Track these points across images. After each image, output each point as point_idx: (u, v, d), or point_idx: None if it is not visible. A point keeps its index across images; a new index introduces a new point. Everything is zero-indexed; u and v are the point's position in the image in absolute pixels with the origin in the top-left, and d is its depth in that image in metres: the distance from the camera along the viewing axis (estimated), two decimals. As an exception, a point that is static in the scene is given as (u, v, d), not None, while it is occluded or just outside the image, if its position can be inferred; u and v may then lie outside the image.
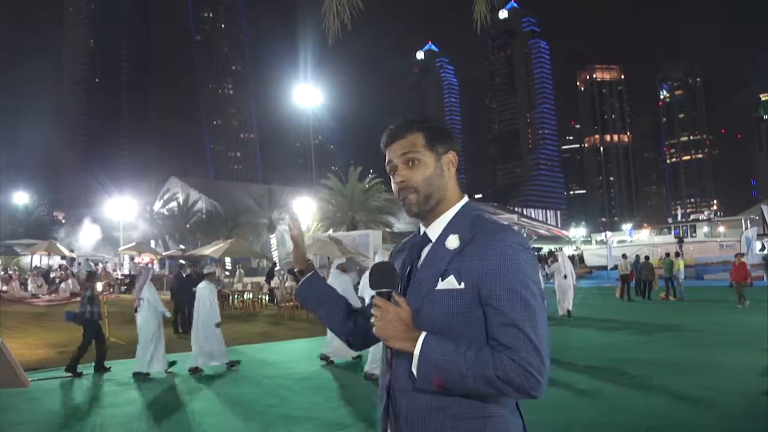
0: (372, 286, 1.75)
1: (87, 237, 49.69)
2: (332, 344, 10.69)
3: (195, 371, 10.24)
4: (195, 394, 8.77)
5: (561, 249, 49.02)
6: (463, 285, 1.71)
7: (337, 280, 10.73)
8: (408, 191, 1.82)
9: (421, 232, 1.91)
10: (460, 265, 1.73)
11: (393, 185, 1.88)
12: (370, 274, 1.78)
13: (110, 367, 10.53)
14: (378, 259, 10.65)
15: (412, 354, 1.68)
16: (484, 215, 1.85)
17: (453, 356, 1.64)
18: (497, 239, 1.73)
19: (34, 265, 33.50)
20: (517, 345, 1.63)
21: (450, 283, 1.73)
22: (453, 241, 1.78)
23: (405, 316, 1.71)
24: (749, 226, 42.30)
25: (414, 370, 1.68)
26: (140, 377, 9.82)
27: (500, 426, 1.72)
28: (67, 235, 53.13)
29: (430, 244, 1.85)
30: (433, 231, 1.86)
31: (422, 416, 1.72)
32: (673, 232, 49.93)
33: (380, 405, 1.85)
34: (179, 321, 16.03)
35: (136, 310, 10.46)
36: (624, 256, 26.21)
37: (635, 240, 54.98)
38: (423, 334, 1.68)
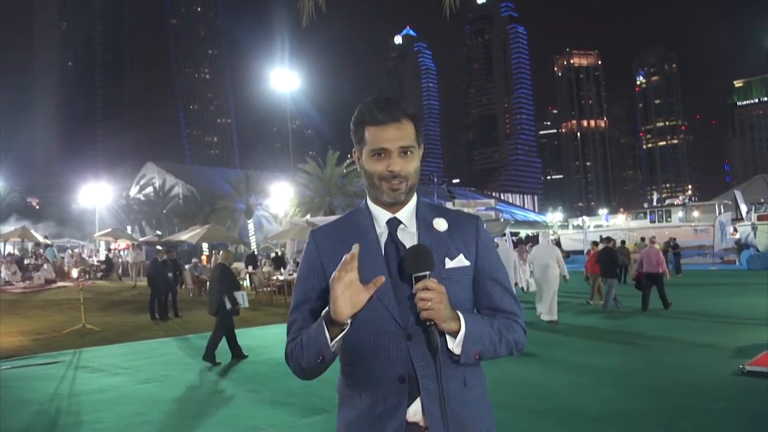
0: (409, 269, 1.72)
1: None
2: None
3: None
4: (170, 381, 8.72)
5: (538, 234, 49.32)
6: (469, 262, 1.85)
7: None
8: (400, 180, 1.81)
9: (379, 216, 1.88)
10: (460, 244, 1.86)
11: (376, 167, 1.81)
12: (406, 256, 1.74)
13: None
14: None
15: (445, 334, 1.74)
16: (435, 202, 2.00)
17: (485, 328, 1.79)
18: (475, 221, 1.95)
19: (7, 252, 33.05)
20: (516, 310, 1.90)
21: (460, 261, 1.84)
22: (442, 224, 1.87)
23: (447, 297, 1.72)
24: (723, 211, 42.79)
25: (457, 349, 1.73)
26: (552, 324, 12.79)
27: (485, 385, 1.91)
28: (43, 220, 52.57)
29: (404, 228, 1.85)
30: (404, 215, 1.87)
31: (455, 392, 1.77)
32: (648, 216, 50.44)
33: (392, 398, 1.76)
34: (156, 307, 15.86)
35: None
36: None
37: (611, 225, 55.49)
38: (460, 313, 1.74)
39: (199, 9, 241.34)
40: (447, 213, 1.92)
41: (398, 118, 1.81)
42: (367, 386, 1.80)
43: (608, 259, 15.77)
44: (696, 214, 48.70)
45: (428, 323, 1.68)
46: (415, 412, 1.75)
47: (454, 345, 1.73)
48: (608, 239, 18.49)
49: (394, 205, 1.86)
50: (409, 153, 1.82)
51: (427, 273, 1.70)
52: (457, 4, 7.14)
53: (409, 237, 1.83)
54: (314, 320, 1.82)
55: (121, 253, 34.05)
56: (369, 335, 1.79)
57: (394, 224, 1.85)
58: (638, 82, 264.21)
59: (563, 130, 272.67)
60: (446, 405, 1.71)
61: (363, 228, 1.88)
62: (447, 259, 1.82)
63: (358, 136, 1.88)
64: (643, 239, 26.15)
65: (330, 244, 1.89)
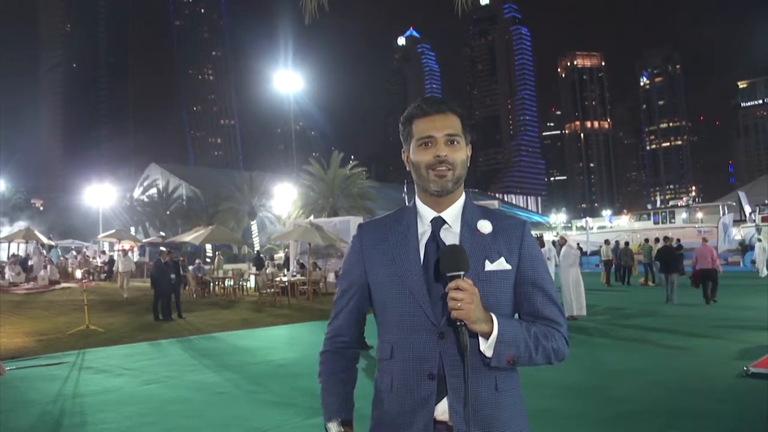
0: (443, 268, 1.73)
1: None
2: None
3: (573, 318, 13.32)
4: (174, 382, 8.73)
5: (542, 234, 49.23)
6: (510, 266, 1.84)
7: None
8: (447, 166, 1.83)
9: (425, 215, 1.90)
10: (502, 247, 1.85)
11: (423, 156, 1.85)
12: (441, 255, 1.76)
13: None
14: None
15: (478, 335, 1.74)
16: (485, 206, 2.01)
17: (521, 333, 1.77)
18: (522, 225, 1.91)
19: (11, 252, 33.10)
20: (558, 319, 1.87)
21: (500, 264, 1.83)
22: (486, 226, 1.87)
23: (479, 298, 1.72)
24: (726, 212, 42.71)
25: (488, 351, 1.73)
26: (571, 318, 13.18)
27: (520, 391, 1.91)
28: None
29: (448, 228, 1.87)
30: (450, 215, 1.88)
31: (484, 395, 1.78)
32: (652, 218, 50.41)
33: (421, 395, 1.79)
34: (159, 308, 15.87)
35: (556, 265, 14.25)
36: (606, 242, 26.46)
37: (615, 226, 55.37)
38: (494, 315, 1.73)
39: (202, 10, 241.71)
40: (493, 215, 1.91)
41: (444, 110, 1.87)
42: (399, 381, 1.84)
43: (669, 255, 17.03)
44: (700, 215, 48.66)
45: (458, 323, 1.70)
46: (443, 410, 1.78)
47: (486, 347, 1.74)
48: (667, 238, 19.59)
49: (441, 197, 1.87)
50: (455, 142, 1.86)
51: (461, 273, 1.71)
52: (469, 4, 7.17)
53: (451, 237, 1.86)
54: (350, 314, 1.98)
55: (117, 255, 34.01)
56: (402, 331, 1.83)
57: (438, 223, 1.88)
58: (642, 83, 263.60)
59: (567, 132, 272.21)
60: (472, 407, 1.73)
61: (406, 225, 1.91)
62: (487, 262, 1.82)
63: (406, 133, 1.92)
64: (647, 240, 26.14)
65: (374, 239, 1.94)
